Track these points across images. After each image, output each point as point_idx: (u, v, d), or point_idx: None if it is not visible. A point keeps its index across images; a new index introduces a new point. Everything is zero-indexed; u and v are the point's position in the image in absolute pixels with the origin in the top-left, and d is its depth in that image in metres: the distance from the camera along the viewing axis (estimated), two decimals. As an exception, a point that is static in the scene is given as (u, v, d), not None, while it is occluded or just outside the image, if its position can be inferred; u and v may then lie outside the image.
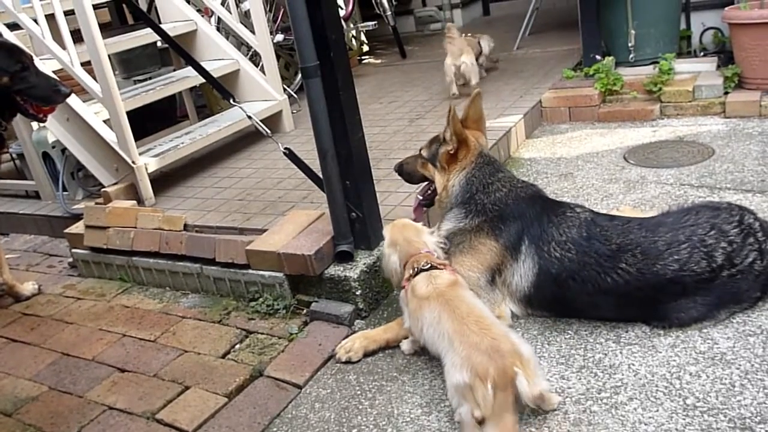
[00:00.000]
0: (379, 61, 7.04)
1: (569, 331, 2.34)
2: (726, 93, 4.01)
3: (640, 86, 4.26)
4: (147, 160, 3.83)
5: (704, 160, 3.45)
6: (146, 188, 3.78)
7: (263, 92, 4.73)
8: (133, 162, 3.73)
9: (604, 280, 2.25)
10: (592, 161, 3.71)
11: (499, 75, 5.27)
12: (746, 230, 2.25)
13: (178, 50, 3.59)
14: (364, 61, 7.08)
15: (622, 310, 2.30)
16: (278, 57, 5.24)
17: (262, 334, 2.70)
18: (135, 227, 3.36)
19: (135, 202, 3.66)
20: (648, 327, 2.27)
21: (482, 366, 1.81)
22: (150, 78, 5.00)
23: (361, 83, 5.89)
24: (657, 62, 4.24)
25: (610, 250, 2.27)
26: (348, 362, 2.41)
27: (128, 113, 3.77)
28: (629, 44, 4.46)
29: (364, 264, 2.66)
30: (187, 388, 2.44)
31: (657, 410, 1.95)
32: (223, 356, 2.60)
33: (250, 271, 2.88)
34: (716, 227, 2.25)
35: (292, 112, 4.95)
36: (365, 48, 7.26)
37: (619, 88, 4.30)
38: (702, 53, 4.63)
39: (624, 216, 2.46)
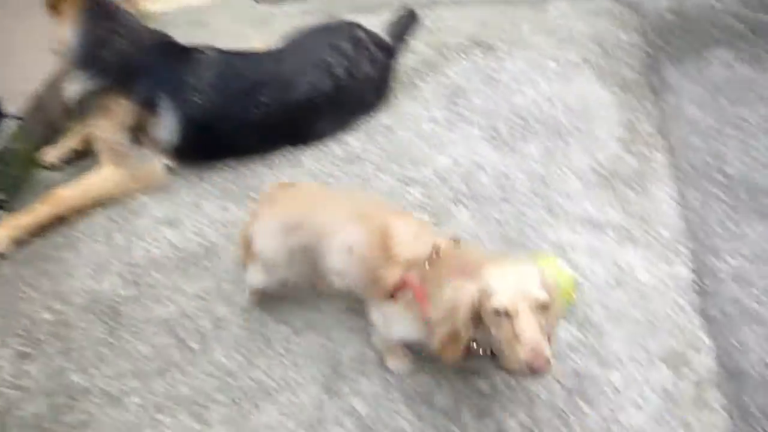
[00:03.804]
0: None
1: (226, 169, 2.42)
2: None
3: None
4: None
5: (325, -11, 3.66)
6: None
7: None
8: None
9: (248, 115, 2.34)
10: (224, 6, 3.69)
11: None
12: (358, 43, 2.50)
13: None
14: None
15: (269, 140, 2.44)
16: None
17: None
18: None
19: None
20: (293, 147, 2.46)
21: None
22: None
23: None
24: None
25: (247, 86, 2.35)
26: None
27: None
28: None
29: (-8, 150, 2.36)
30: None
31: (310, 214, 2.18)
32: None
33: None
34: (333, 46, 2.46)
35: None
36: None
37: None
38: None
39: (254, 52, 2.53)
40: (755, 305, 1.84)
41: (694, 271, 1.93)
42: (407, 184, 2.26)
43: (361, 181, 2.29)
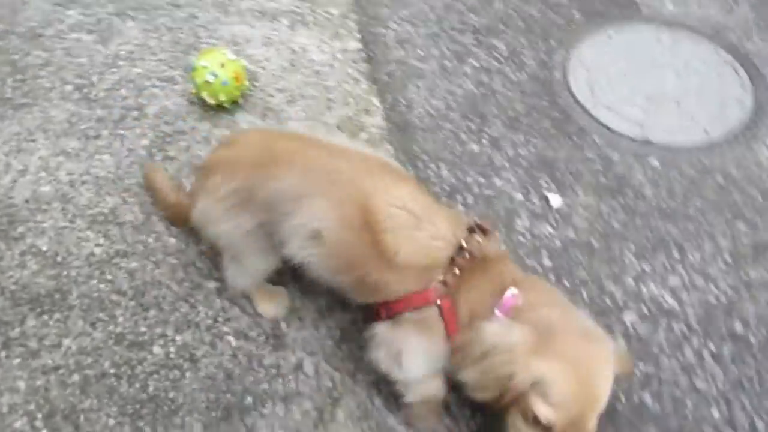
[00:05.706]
0: None
1: None
2: None
3: None
4: None
5: None
6: None
7: None
8: None
9: None
10: None
11: None
12: None
13: None
14: None
15: None
16: None
17: None
18: None
19: None
20: None
21: None
22: None
23: None
24: None
25: None
26: None
27: None
28: None
29: None
30: None
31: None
32: None
33: None
34: None
35: None
36: None
37: None
38: None
39: None
40: (418, 63, 1.98)
41: (362, 42, 2.00)
42: (65, 7, 2.02)
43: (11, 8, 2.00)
